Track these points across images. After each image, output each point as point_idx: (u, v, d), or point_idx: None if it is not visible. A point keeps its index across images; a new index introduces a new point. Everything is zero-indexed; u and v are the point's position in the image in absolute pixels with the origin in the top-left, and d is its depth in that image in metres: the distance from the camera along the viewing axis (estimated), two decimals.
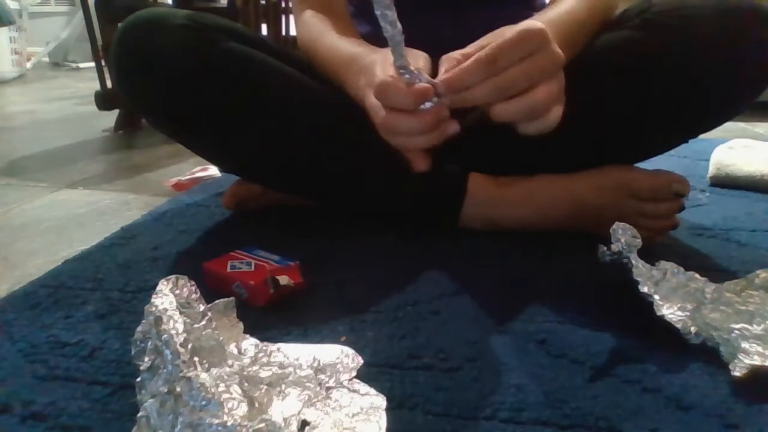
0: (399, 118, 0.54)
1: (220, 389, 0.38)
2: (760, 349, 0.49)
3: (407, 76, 0.51)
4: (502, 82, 0.50)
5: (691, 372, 0.49)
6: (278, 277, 0.59)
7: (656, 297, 0.53)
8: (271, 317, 0.57)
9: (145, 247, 0.75)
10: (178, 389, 0.37)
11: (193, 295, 0.46)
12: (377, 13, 0.45)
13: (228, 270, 0.62)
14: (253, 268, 0.62)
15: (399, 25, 0.46)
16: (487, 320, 0.57)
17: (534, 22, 0.51)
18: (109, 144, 1.52)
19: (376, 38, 0.86)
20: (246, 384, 0.42)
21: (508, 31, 0.51)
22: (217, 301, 0.48)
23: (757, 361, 0.47)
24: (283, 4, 2.04)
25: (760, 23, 0.65)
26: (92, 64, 1.74)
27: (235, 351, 0.48)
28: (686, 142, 0.75)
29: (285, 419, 0.40)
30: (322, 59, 0.74)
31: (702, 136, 0.75)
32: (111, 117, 1.65)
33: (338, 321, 0.57)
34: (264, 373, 0.45)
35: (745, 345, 0.49)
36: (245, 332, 0.50)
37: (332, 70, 0.72)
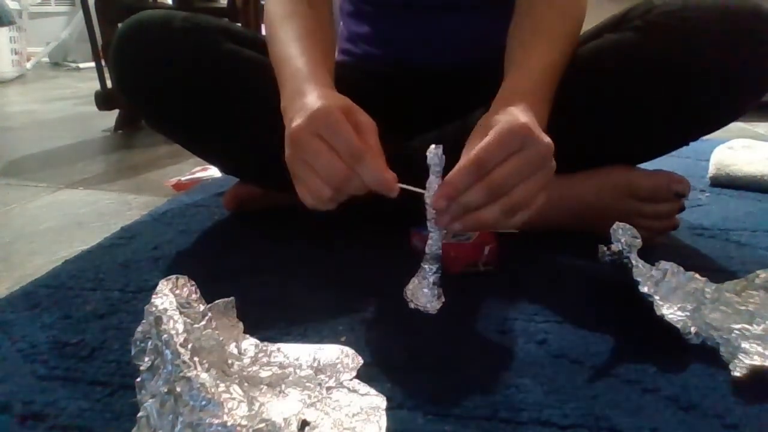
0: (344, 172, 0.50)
1: (220, 389, 0.38)
2: (760, 349, 0.49)
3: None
4: (492, 184, 0.48)
5: (691, 372, 0.49)
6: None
7: (656, 297, 0.53)
8: (271, 317, 0.57)
9: (145, 247, 0.75)
10: (178, 389, 0.37)
11: (193, 295, 0.46)
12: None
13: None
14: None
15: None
16: (487, 320, 0.57)
17: (515, 118, 0.50)
18: (109, 144, 1.52)
19: (374, 38, 0.86)
20: (246, 384, 0.42)
21: (492, 128, 0.49)
22: (217, 301, 0.48)
23: (757, 361, 0.47)
24: None
25: (762, 25, 0.65)
26: (92, 64, 1.74)
27: (235, 351, 0.48)
28: (687, 144, 0.75)
29: (285, 419, 0.40)
30: (272, 53, 0.66)
31: None
32: (111, 117, 1.65)
33: (338, 321, 0.57)
34: (264, 373, 0.45)
35: (745, 345, 0.49)
36: (245, 332, 0.50)
37: (275, 67, 0.65)
